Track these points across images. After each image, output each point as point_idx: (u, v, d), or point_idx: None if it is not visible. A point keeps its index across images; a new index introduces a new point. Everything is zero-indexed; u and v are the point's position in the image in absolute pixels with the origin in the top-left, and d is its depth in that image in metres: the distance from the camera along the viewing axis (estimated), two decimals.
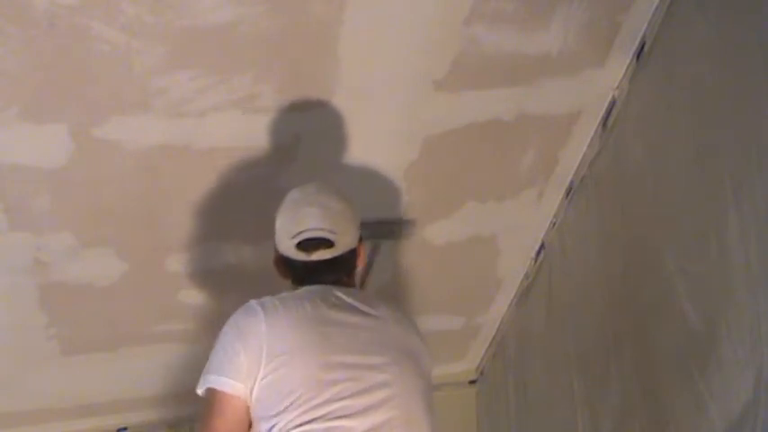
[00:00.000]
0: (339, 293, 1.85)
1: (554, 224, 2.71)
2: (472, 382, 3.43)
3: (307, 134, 2.21)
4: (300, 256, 1.88)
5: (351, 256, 1.92)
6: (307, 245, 1.86)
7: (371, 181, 2.40)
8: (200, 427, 1.76)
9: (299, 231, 1.86)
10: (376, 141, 2.30)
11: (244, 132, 2.14)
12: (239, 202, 2.33)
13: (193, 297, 2.61)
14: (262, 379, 1.70)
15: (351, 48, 2.00)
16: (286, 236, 1.89)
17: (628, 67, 2.22)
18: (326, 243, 1.86)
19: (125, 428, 3.10)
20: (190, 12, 1.82)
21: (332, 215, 1.88)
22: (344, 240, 1.89)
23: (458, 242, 2.72)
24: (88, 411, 3.02)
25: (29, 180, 2.09)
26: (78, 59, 1.85)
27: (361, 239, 1.96)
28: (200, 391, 1.76)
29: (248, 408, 1.72)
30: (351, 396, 1.68)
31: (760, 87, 1.73)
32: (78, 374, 2.79)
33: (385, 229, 2.54)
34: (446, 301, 3.00)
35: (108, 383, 2.91)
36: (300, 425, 1.65)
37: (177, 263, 2.48)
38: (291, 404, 1.67)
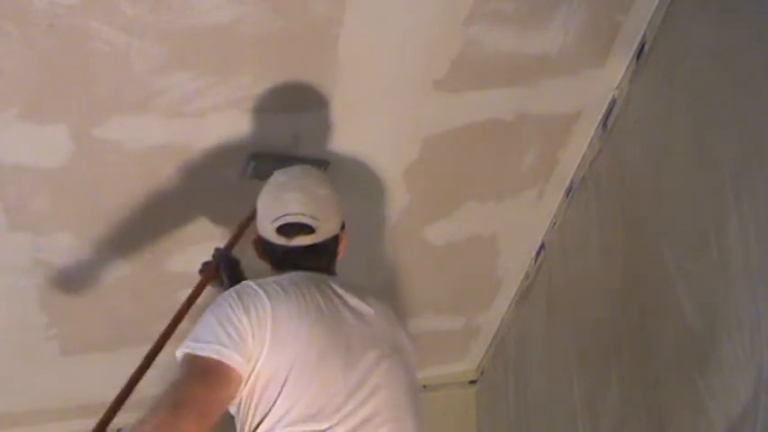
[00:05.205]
0: (332, 284, 1.81)
1: (554, 224, 2.71)
2: (472, 382, 3.43)
3: (306, 134, 2.21)
4: (280, 241, 1.84)
5: (332, 243, 1.88)
6: (287, 229, 1.83)
7: (371, 181, 2.40)
8: (177, 392, 1.61)
9: (280, 215, 1.83)
10: (376, 141, 2.30)
11: (243, 132, 2.14)
12: (239, 202, 2.33)
13: None
14: (263, 362, 1.61)
15: (351, 48, 2.00)
16: (267, 218, 1.85)
17: (628, 67, 2.22)
18: (307, 229, 1.83)
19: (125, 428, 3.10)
20: (190, 12, 1.82)
21: (315, 201, 1.84)
22: (326, 227, 1.85)
23: (458, 242, 2.72)
24: (88, 411, 2.99)
25: (29, 180, 2.09)
26: (78, 59, 1.85)
27: (343, 227, 1.92)
28: (182, 353, 1.64)
29: (238, 389, 1.60)
30: (343, 391, 1.65)
31: (760, 87, 1.73)
32: (78, 374, 2.79)
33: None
34: (446, 301, 3.00)
35: (108, 383, 2.89)
36: (293, 423, 1.60)
37: (177, 263, 2.48)
38: (282, 397, 1.61)
